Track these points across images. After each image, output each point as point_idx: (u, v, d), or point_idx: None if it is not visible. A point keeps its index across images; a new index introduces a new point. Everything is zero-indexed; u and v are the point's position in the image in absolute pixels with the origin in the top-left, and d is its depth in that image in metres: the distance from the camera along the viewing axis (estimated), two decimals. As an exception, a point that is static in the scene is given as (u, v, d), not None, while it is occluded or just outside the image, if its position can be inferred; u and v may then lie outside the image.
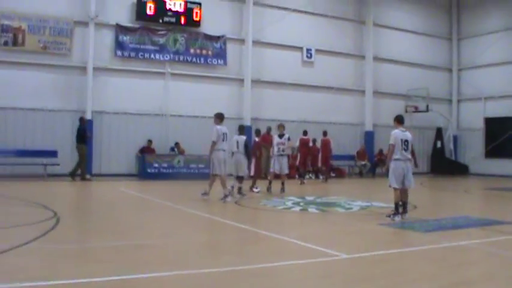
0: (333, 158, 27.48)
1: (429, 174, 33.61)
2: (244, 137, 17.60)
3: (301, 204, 15.45)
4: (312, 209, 14.30)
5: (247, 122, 27.53)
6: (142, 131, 25.56)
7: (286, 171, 19.17)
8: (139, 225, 11.53)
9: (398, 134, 12.48)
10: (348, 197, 17.60)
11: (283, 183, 18.94)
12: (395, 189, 12.38)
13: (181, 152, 25.50)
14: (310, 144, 25.28)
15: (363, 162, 30.14)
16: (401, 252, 8.86)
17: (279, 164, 18.93)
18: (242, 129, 18.12)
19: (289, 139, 19.38)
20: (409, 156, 12.54)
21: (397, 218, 12.26)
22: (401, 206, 12.51)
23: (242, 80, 27.96)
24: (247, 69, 27.88)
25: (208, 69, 27.38)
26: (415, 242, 9.76)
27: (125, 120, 25.28)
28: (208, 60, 27.23)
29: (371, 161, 30.51)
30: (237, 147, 17.30)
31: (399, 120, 12.84)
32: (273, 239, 9.88)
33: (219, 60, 27.46)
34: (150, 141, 25.51)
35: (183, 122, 26.55)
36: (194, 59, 26.87)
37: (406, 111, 32.02)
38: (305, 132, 25.43)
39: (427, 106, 32.02)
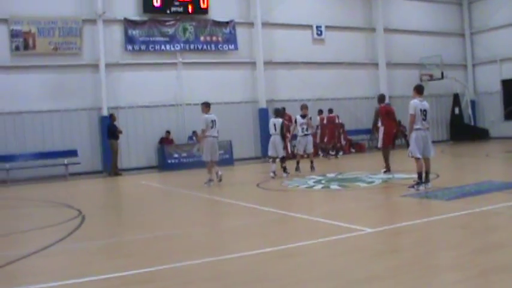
0: (349, 134, 27.47)
1: (449, 141, 33.39)
2: (280, 120, 18.26)
3: (323, 182, 15.47)
4: (334, 186, 14.34)
5: (262, 105, 27.55)
6: (159, 123, 25.67)
7: (311, 150, 19.34)
8: (165, 216, 11.65)
9: (417, 103, 12.47)
10: (369, 170, 17.61)
11: (312, 162, 19.15)
12: (417, 159, 12.37)
13: (199, 140, 25.56)
14: (337, 121, 25.79)
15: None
16: (426, 222, 8.87)
17: (303, 145, 19.03)
18: (278, 113, 18.73)
19: (310, 118, 19.43)
20: (428, 125, 12.54)
21: (422, 188, 12.27)
22: (424, 176, 12.52)
23: (254, 63, 27.90)
24: (258, 51, 27.80)
25: (220, 56, 27.37)
26: (439, 210, 9.75)
27: (140, 113, 25.39)
28: (219, 47, 27.21)
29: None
30: (275, 129, 17.97)
31: (419, 90, 12.82)
32: (298, 218, 9.94)
33: (229, 46, 27.41)
34: (168, 132, 25.61)
35: (198, 111, 26.24)
36: (205, 47, 26.86)
37: (421, 80, 31.71)
38: (331, 110, 26.01)
39: (442, 73, 31.74)
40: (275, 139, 18.00)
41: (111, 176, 22.92)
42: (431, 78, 32.17)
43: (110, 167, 23.51)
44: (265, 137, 24.85)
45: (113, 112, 23.97)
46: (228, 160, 25.26)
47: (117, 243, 8.86)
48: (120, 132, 23.64)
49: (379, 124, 16.94)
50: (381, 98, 17.64)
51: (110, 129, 23.42)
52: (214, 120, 16.62)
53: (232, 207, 12.15)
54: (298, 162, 18.92)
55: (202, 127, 16.40)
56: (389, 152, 16.92)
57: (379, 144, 17.01)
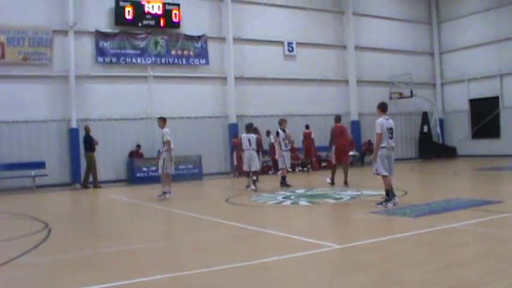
0: (318, 150, 27.71)
1: (417, 159, 33.82)
2: (255, 136, 18.96)
3: (292, 197, 15.50)
4: (302, 202, 14.37)
5: (232, 120, 27.59)
6: (129, 136, 25.52)
7: (289, 165, 19.82)
8: (132, 230, 11.55)
9: (383, 122, 12.54)
10: (338, 187, 17.70)
11: (285, 177, 19.17)
12: (385, 176, 12.44)
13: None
14: (313, 136, 26.79)
15: (352, 153, 30.04)
16: (394, 239, 8.93)
17: (288, 160, 19.29)
18: (251, 128, 19.21)
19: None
20: (393, 144, 12.63)
21: (390, 205, 12.35)
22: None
23: (225, 78, 27.94)
24: (229, 67, 27.88)
25: (191, 70, 27.36)
26: (407, 227, 9.82)
27: (110, 126, 25.22)
28: (190, 61, 27.21)
29: (359, 150, 30.61)
30: (249, 144, 18.51)
31: (383, 108, 12.86)
32: (266, 234, 9.93)
33: (201, 60, 27.43)
34: (138, 146, 25.48)
35: (169, 124, 26.46)
36: (176, 61, 26.84)
37: (391, 98, 32.14)
38: (307, 126, 26.89)
39: (411, 91, 32.15)
40: (251, 154, 18.44)
41: (92, 188, 22.74)
42: (400, 96, 32.59)
43: (84, 179, 23.31)
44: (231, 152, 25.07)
45: (87, 124, 23.76)
46: (196, 175, 25.26)
47: (85, 256, 8.76)
48: (96, 143, 23.44)
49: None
50: (337, 119, 18.86)
51: (86, 142, 23.22)
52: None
53: (200, 222, 12.09)
54: (284, 178, 19.00)
55: (169, 138, 16.78)
56: (347, 167, 18.50)
57: (333, 161, 18.64)
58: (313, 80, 30.65)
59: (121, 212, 15.29)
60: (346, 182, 18.01)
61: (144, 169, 24.57)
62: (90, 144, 23.16)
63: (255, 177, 18.68)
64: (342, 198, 14.78)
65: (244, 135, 18.87)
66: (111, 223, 12.76)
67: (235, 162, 25.43)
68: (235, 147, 24.92)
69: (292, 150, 24.60)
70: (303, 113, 29.75)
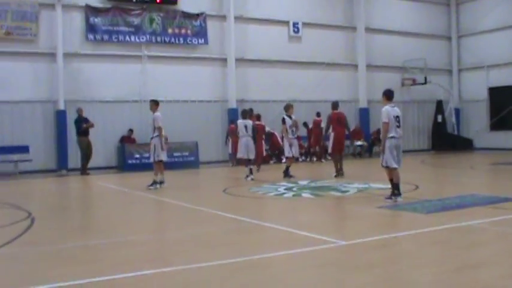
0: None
1: (430, 151, 33.75)
2: (251, 122, 19.35)
3: (294, 189, 15.51)
4: (305, 194, 14.35)
5: (232, 105, 27.58)
6: (120, 120, 25.51)
7: (298, 154, 20.19)
8: (122, 220, 11.54)
9: (390, 110, 12.51)
10: (344, 179, 17.70)
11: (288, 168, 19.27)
12: (393, 169, 12.41)
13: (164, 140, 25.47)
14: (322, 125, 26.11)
15: (359, 143, 30.04)
16: (404, 236, 8.90)
17: (295, 148, 19.30)
18: (246, 114, 19.54)
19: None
20: (401, 133, 12.59)
21: (400, 199, 12.34)
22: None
23: (225, 60, 27.92)
24: (230, 47, 27.82)
25: (189, 50, 27.32)
26: (417, 224, 9.79)
27: (100, 109, 25.20)
28: (188, 40, 27.15)
29: (367, 140, 30.56)
30: (246, 130, 18.94)
31: (389, 95, 12.84)
32: (266, 228, 9.92)
33: (199, 40, 27.37)
34: (131, 131, 25.47)
35: (164, 108, 26.31)
36: (173, 39, 26.78)
37: (403, 85, 32.11)
38: (318, 114, 26.77)
39: (426, 78, 32.06)
40: (248, 141, 18.85)
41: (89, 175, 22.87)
42: (413, 82, 32.52)
43: (82, 168, 23.38)
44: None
45: (80, 106, 23.70)
46: (193, 163, 25.29)
47: (69, 248, 8.73)
48: (91, 125, 23.38)
49: (330, 130, 19.08)
50: (334, 105, 19.41)
51: (77, 125, 23.20)
52: None
53: (195, 214, 12.07)
54: (288, 168, 19.13)
55: (161, 124, 16.61)
56: (341, 157, 19.10)
57: (329, 149, 19.42)
58: (320, 63, 30.59)
59: (110, 201, 15.29)
60: (341, 171, 18.77)
61: (137, 155, 24.56)
62: (81, 127, 23.13)
63: (251, 166, 19.03)
64: (348, 191, 14.77)
65: (240, 121, 19.32)
66: (99, 213, 12.75)
67: (229, 150, 25.54)
68: (231, 133, 25.15)
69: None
70: (308, 99, 29.73)
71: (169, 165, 24.19)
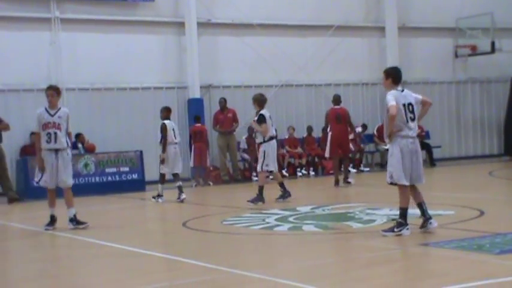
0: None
1: (502, 156, 33.64)
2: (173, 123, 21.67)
3: (291, 219, 15.57)
4: (308, 227, 14.41)
5: (194, 93, 27.52)
6: (21, 119, 25.20)
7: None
8: (28, 277, 11.46)
9: (398, 95, 12.45)
10: (367, 202, 17.75)
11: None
12: (402, 186, 12.51)
13: (89, 149, 25.36)
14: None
15: (384, 146, 29.92)
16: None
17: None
18: (169, 113, 21.76)
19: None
20: (417, 130, 12.57)
21: (406, 232, 12.45)
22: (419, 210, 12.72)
23: (182, 24, 27.95)
24: (189, 5, 27.82)
25: (125, 10, 27.28)
26: (486, 270, 9.73)
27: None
28: (124, -6, 27.14)
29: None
30: (174, 136, 21.04)
31: (395, 76, 12.77)
32: (251, 280, 9.86)
33: (141, -7, 27.37)
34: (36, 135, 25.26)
35: (87, 100, 26.41)
36: (99, -6, 26.77)
37: (457, 56, 32.15)
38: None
39: (493, 44, 31.90)
40: (176, 150, 21.32)
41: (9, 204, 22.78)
42: (473, 51, 32.39)
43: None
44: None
45: None
46: (135, 183, 25.09)
47: None
48: (5, 127, 23.15)
49: (328, 130, 22.87)
50: (336, 100, 22.79)
51: None
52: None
53: (144, 261, 12.04)
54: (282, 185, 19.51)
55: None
56: (347, 160, 23.31)
57: (326, 154, 23.38)
58: (327, 27, 30.63)
59: (12, 250, 15.16)
60: (346, 179, 22.81)
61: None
62: None
63: (179, 183, 20.95)
64: (373, 220, 14.78)
65: (167, 122, 21.09)
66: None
67: (191, 162, 25.94)
68: (195, 137, 25.71)
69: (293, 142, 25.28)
70: (310, 82, 29.86)
71: (101, 189, 24.14)
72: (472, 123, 32.95)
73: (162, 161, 21.07)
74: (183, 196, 20.60)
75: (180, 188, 20.77)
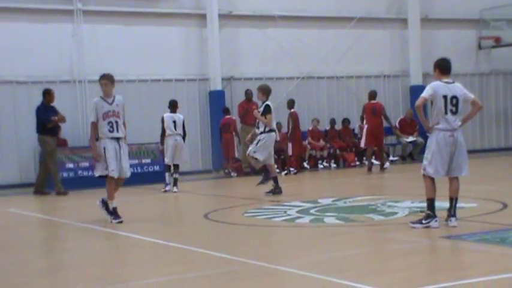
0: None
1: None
2: (181, 116, 22.31)
3: (312, 211, 15.60)
4: (329, 219, 14.45)
5: (216, 85, 27.56)
6: (42, 112, 25.32)
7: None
8: (50, 268, 11.50)
9: (439, 87, 12.39)
10: (389, 194, 17.69)
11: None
12: (427, 177, 12.57)
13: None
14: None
15: (411, 139, 29.81)
16: (490, 282, 8.80)
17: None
18: (175, 105, 22.33)
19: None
20: (459, 123, 12.48)
21: (434, 224, 12.42)
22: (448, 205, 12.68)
23: (204, 16, 28.03)
24: (211, -3, 27.88)
25: (147, 2, 27.44)
26: (509, 264, 9.74)
27: (9, 93, 25.22)
28: (146, -13, 27.20)
29: (423, 134, 30.24)
30: (175, 127, 21.77)
31: (443, 67, 12.73)
32: (274, 272, 9.87)
33: (163, -14, 27.43)
34: (58, 128, 25.19)
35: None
36: (121, -14, 26.84)
37: (481, 48, 32.00)
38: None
39: (518, 35, 31.91)
40: (177, 141, 21.83)
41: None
42: (497, 43, 32.28)
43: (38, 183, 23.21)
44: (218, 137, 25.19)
45: (49, 87, 23.49)
46: (157, 175, 25.06)
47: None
48: (62, 120, 23.00)
49: (364, 122, 25.58)
50: (372, 95, 25.59)
51: (40, 117, 22.68)
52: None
53: (166, 253, 12.10)
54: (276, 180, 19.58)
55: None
56: (381, 150, 25.80)
57: (362, 144, 26.00)
58: (349, 19, 30.60)
59: (29, 239, 15.14)
60: (382, 166, 25.36)
61: (70, 165, 24.31)
62: (46, 120, 22.55)
63: (176, 175, 21.94)
64: (395, 213, 14.77)
65: (167, 115, 21.98)
66: (12, 258, 12.66)
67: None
68: (223, 128, 26.04)
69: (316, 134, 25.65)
70: (332, 74, 29.86)
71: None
72: (495, 115, 32.80)
73: (162, 152, 21.98)
74: (175, 189, 21.47)
75: (175, 181, 21.68)
